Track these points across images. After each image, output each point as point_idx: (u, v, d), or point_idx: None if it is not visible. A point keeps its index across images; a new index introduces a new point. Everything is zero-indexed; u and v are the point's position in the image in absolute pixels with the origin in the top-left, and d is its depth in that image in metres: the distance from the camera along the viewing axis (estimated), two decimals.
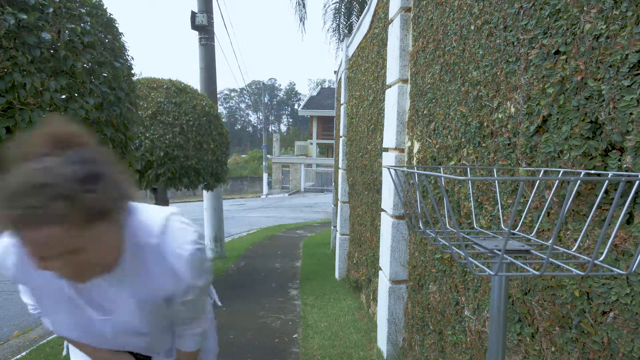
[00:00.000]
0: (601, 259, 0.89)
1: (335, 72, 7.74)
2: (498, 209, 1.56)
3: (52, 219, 0.68)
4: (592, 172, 1.04)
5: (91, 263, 0.80)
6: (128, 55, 2.80)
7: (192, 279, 0.95)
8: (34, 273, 0.91)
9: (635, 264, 0.76)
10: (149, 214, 0.95)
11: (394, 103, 2.79)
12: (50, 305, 0.99)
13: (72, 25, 2.12)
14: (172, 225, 0.95)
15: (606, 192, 1.08)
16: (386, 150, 3.02)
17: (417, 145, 2.55)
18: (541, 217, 1.14)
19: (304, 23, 12.07)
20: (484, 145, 1.73)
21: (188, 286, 0.95)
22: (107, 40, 2.50)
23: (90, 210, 0.72)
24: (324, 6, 11.98)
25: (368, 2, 4.07)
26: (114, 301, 0.95)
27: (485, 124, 1.72)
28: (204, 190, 5.67)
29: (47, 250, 0.72)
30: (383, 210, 3.05)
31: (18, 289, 1.11)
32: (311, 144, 31.06)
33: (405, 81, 2.76)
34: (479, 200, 1.75)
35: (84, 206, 0.71)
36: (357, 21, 11.11)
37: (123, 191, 0.81)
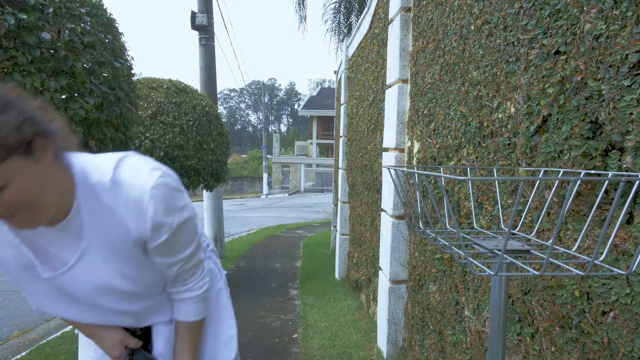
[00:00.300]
0: (601, 259, 0.89)
1: (335, 72, 7.74)
2: (498, 209, 1.56)
3: None
4: (592, 172, 1.04)
5: (24, 204, 0.74)
6: (128, 55, 2.80)
7: (158, 215, 0.85)
8: None
9: (635, 264, 0.76)
10: (101, 157, 0.89)
11: (394, 103, 2.79)
12: (20, 278, 0.92)
13: (72, 25, 2.12)
14: (128, 160, 0.88)
15: (606, 192, 1.08)
16: (386, 150, 3.02)
17: (417, 145, 2.55)
18: (541, 217, 1.14)
19: (305, 22, 12.08)
20: (484, 145, 1.73)
21: (155, 224, 0.85)
22: (107, 40, 2.50)
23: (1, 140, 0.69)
24: (324, 5, 11.98)
25: (368, 2, 4.07)
26: (79, 253, 0.88)
27: (485, 124, 1.72)
28: (204, 190, 5.67)
29: None
30: (383, 210, 3.05)
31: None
32: (311, 144, 31.06)
33: (405, 81, 2.76)
34: (479, 200, 1.75)
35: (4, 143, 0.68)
36: (357, 21, 11.11)
37: (43, 125, 0.76)
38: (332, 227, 7.49)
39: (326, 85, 54.80)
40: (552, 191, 1.16)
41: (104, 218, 0.86)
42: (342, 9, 11.79)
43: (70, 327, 3.79)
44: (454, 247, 0.99)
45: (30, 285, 0.93)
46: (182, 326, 1.06)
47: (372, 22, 3.97)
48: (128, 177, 0.85)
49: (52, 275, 0.89)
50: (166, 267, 0.96)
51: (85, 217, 0.86)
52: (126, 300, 0.96)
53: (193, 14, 6.97)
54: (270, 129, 67.49)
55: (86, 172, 0.86)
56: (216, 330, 1.18)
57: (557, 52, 1.28)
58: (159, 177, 0.86)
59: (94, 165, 0.87)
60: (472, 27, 1.84)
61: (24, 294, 0.96)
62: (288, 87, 76.69)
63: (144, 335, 1.08)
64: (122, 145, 2.61)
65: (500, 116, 1.60)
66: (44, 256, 0.89)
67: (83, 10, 2.28)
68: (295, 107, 64.33)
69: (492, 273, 0.86)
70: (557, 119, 1.26)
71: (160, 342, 1.08)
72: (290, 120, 75.41)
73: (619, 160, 1.06)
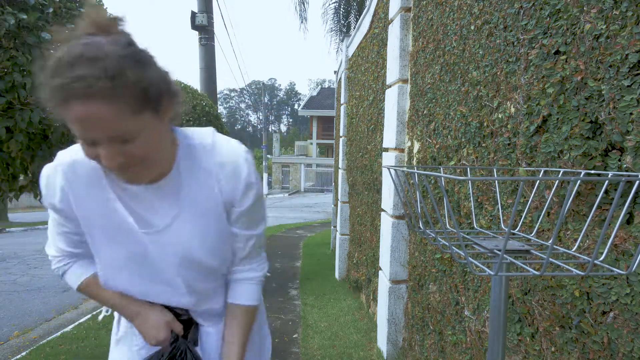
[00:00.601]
0: (601, 259, 0.89)
1: (335, 72, 7.74)
2: (498, 209, 1.56)
3: (101, 93, 0.66)
4: (592, 172, 1.04)
5: (143, 158, 0.76)
6: None
7: (250, 176, 0.92)
8: (85, 197, 0.88)
9: (635, 264, 0.76)
10: (191, 128, 0.95)
11: (394, 103, 2.79)
12: (99, 237, 0.92)
13: (72, 25, 2.12)
14: (223, 137, 0.95)
15: (606, 192, 1.08)
16: (386, 150, 3.02)
17: (417, 145, 2.55)
18: (541, 217, 1.14)
19: (305, 22, 12.08)
20: (484, 145, 1.73)
21: (247, 184, 0.92)
22: None
23: (139, 93, 0.70)
24: (323, 5, 11.99)
25: (368, 2, 4.07)
26: (172, 215, 0.89)
27: (485, 124, 1.72)
28: None
29: (95, 130, 0.69)
30: (383, 210, 3.05)
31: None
32: (311, 144, 31.06)
33: (405, 81, 2.76)
34: (479, 200, 1.75)
35: (133, 86, 0.69)
36: (355, 21, 11.11)
37: (171, 85, 0.80)
38: (332, 227, 7.49)
39: (326, 85, 54.81)
40: (552, 191, 1.16)
41: (200, 179, 0.90)
42: (341, 10, 11.80)
43: (71, 327, 3.80)
44: (454, 247, 0.99)
45: (110, 249, 0.92)
46: (238, 311, 1.04)
47: (372, 22, 3.97)
48: (224, 142, 0.93)
49: (147, 231, 0.89)
50: (245, 240, 0.99)
51: (184, 177, 0.89)
52: (202, 277, 0.97)
53: (193, 14, 6.97)
54: (270, 129, 67.51)
55: (186, 134, 0.92)
56: (261, 331, 1.23)
57: (557, 52, 1.28)
58: (246, 148, 0.95)
59: (191, 131, 0.93)
60: (472, 27, 1.84)
61: (97, 259, 0.95)
62: (288, 87, 76.71)
63: (186, 323, 1.04)
64: None
65: (500, 116, 1.60)
66: (136, 218, 0.90)
67: (83, 11, 2.28)
68: (295, 107, 64.33)
69: (492, 273, 0.86)
70: (557, 119, 1.26)
71: (212, 342, 1.06)
72: (290, 120, 75.42)
73: (619, 160, 1.06)
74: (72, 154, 0.89)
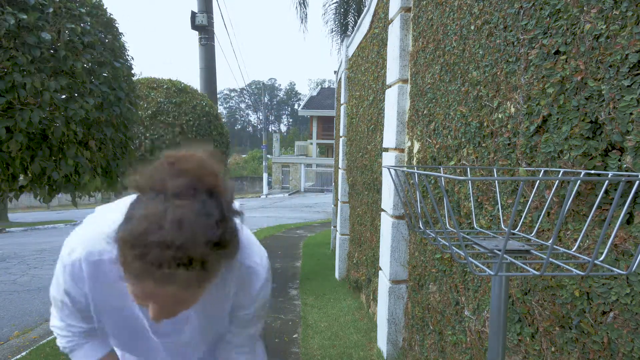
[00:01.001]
0: (601, 259, 0.89)
1: (335, 72, 7.74)
2: (498, 209, 1.56)
3: (178, 282, 0.62)
4: (592, 172, 1.04)
5: (187, 307, 0.73)
6: (128, 55, 2.80)
7: (266, 286, 0.93)
8: (105, 293, 0.86)
9: (635, 264, 0.76)
10: None
11: (394, 103, 2.79)
12: (109, 324, 0.92)
13: (72, 25, 2.12)
14: (247, 236, 0.91)
15: (606, 192, 1.08)
16: (386, 150, 3.02)
17: (417, 145, 2.55)
18: (541, 217, 1.14)
19: (305, 22, 12.08)
20: (484, 145, 1.73)
21: (260, 293, 0.92)
22: (107, 40, 2.51)
23: (217, 274, 0.67)
24: (324, 6, 11.99)
25: (367, 2, 4.07)
26: (183, 322, 0.91)
27: (485, 124, 1.72)
28: None
29: (159, 302, 0.66)
30: (383, 210, 3.05)
31: (59, 299, 0.95)
32: (311, 144, 31.06)
33: (405, 81, 2.76)
34: (479, 200, 1.75)
35: (213, 273, 0.66)
36: (353, 21, 11.09)
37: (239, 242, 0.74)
38: (332, 227, 7.49)
39: (326, 85, 54.81)
40: (552, 191, 1.16)
41: (217, 287, 0.86)
42: (342, 10, 11.80)
43: None
44: (454, 247, 0.99)
45: (114, 332, 0.94)
46: None
47: (372, 22, 3.97)
48: (246, 246, 0.87)
49: (159, 340, 0.93)
50: (235, 330, 1.00)
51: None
52: (190, 355, 1.01)
53: (193, 14, 6.97)
54: (270, 129, 67.51)
55: None
56: None
57: (557, 52, 1.28)
58: (267, 260, 0.94)
59: None
60: (472, 27, 1.84)
61: (104, 327, 0.96)
62: (288, 87, 76.73)
63: None
64: (122, 145, 2.61)
65: (500, 116, 1.60)
66: (150, 322, 0.91)
67: (83, 10, 2.28)
68: (295, 107, 64.34)
69: (492, 273, 0.86)
70: (557, 119, 1.26)
71: None
72: (290, 120, 75.42)
73: (619, 160, 1.06)
74: (100, 252, 0.84)
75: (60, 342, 0.99)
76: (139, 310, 0.88)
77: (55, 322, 0.98)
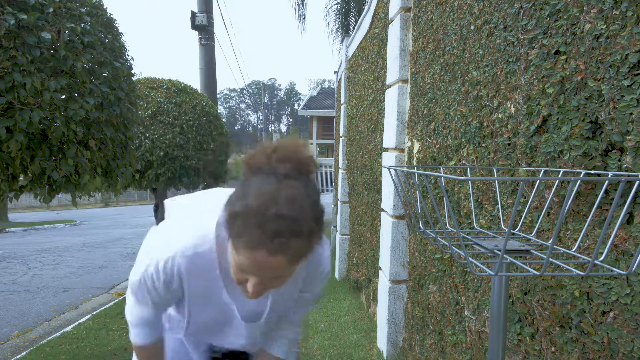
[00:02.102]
0: (601, 259, 0.89)
1: (335, 72, 7.74)
2: (498, 209, 1.56)
3: (287, 252, 0.68)
4: (592, 172, 1.04)
5: (280, 284, 0.80)
6: (128, 55, 2.80)
7: (328, 272, 1.03)
8: (197, 283, 0.92)
9: (635, 264, 0.76)
10: None
11: (394, 103, 2.79)
12: (196, 308, 0.98)
13: (72, 25, 2.12)
14: None
15: (606, 192, 1.08)
16: (386, 150, 3.02)
17: (417, 145, 2.55)
18: (541, 217, 1.14)
19: (304, 22, 12.08)
20: (484, 145, 1.73)
21: (324, 279, 1.02)
22: (107, 40, 2.51)
23: (313, 250, 0.74)
24: (326, 7, 12.00)
25: (368, 2, 4.07)
26: (264, 304, 0.99)
27: (485, 124, 1.72)
28: None
29: (263, 273, 0.72)
30: (383, 210, 3.05)
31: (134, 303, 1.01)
32: (311, 144, 31.07)
33: (405, 81, 2.76)
34: (479, 200, 1.75)
35: (313, 245, 0.73)
36: (354, 22, 11.10)
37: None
38: (332, 227, 7.49)
39: (326, 85, 54.78)
40: (552, 191, 1.16)
41: (295, 275, 0.94)
42: (343, 11, 11.81)
43: (71, 327, 3.80)
44: (454, 247, 0.99)
45: (198, 317, 1.01)
46: (266, 357, 1.15)
47: (372, 22, 3.97)
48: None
49: (245, 323, 1.01)
50: (294, 309, 1.11)
51: None
52: (257, 336, 1.08)
53: (193, 14, 6.98)
54: (270, 129, 67.49)
55: None
56: None
57: (557, 52, 1.28)
58: (327, 240, 1.01)
59: None
60: (472, 27, 1.84)
61: (183, 316, 1.03)
62: (288, 87, 76.66)
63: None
64: (122, 145, 2.61)
65: (500, 116, 1.60)
66: (238, 306, 0.99)
67: (83, 10, 2.28)
68: (295, 107, 64.30)
69: (492, 273, 0.86)
70: (557, 119, 1.26)
71: None
72: (290, 120, 75.37)
73: (619, 160, 1.06)
74: (193, 247, 0.90)
75: (138, 339, 1.04)
76: (226, 296, 0.95)
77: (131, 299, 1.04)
